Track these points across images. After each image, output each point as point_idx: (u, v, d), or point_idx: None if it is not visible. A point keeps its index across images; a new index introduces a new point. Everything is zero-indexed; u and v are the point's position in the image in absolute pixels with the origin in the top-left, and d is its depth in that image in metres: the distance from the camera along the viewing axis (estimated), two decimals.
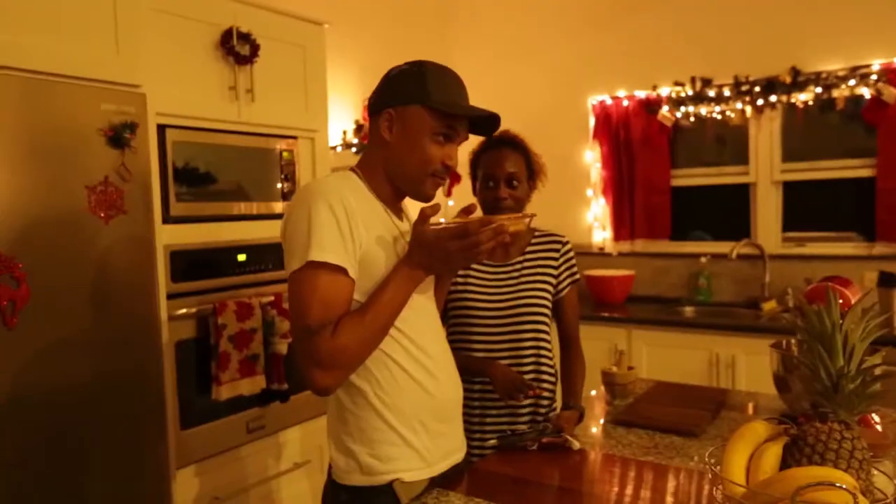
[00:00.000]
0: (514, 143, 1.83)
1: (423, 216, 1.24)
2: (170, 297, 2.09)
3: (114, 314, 1.87)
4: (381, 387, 1.29)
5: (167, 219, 2.11)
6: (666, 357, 3.22)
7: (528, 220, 1.27)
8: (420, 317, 1.35)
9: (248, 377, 2.32)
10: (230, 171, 2.34)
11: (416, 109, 1.29)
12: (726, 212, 3.92)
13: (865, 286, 3.26)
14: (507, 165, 1.79)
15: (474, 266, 1.83)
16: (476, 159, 1.88)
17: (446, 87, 1.31)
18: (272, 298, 2.39)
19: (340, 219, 1.21)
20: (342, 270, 1.21)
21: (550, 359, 1.81)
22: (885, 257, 3.22)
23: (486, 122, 1.35)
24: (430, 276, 1.33)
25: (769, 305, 3.35)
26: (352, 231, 1.22)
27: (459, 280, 1.80)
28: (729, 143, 3.72)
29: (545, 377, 1.79)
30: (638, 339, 3.33)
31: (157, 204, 2.00)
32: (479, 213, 1.78)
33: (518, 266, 1.84)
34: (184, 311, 2.15)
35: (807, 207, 3.60)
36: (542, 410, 1.78)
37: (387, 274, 1.27)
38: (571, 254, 1.89)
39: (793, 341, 1.63)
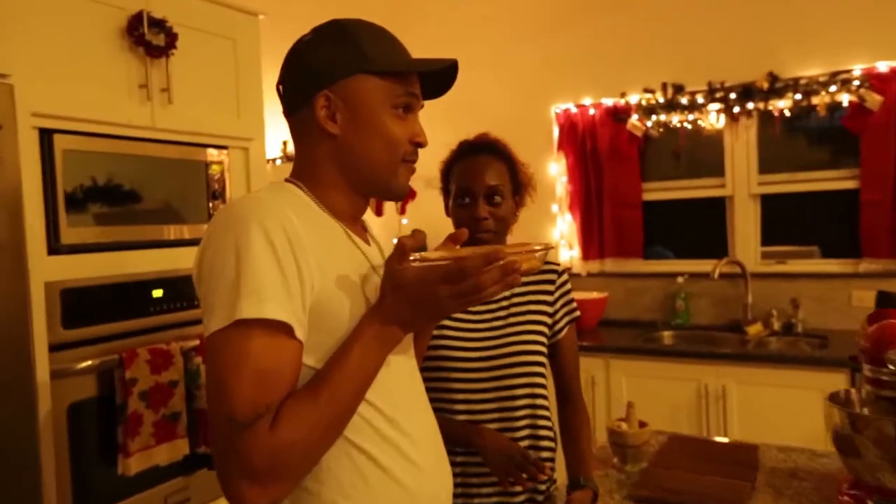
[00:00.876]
0: (494, 150, 1.48)
1: (402, 249, 0.86)
2: (59, 347, 1.65)
3: None
4: (343, 489, 0.90)
5: (56, 248, 1.66)
6: (649, 388, 2.91)
7: (543, 253, 0.91)
8: (396, 381, 0.97)
9: (167, 442, 1.87)
10: (144, 188, 1.90)
11: (361, 80, 0.96)
12: (697, 227, 3.68)
13: (853, 305, 3.05)
14: (487, 177, 1.43)
15: (454, 323, 1.46)
16: (448, 170, 1.52)
17: (384, 43, 0.99)
18: (197, 342, 1.95)
19: (281, 251, 0.84)
20: (285, 329, 0.83)
21: (549, 418, 1.45)
22: (873, 275, 3.01)
23: (439, 79, 1.03)
24: (410, 332, 0.96)
25: (755, 329, 3.09)
26: (299, 268, 0.85)
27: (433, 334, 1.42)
28: (703, 153, 3.48)
29: (544, 443, 1.42)
30: (616, 370, 3.01)
31: (37, 230, 1.55)
32: (477, 245, 1.41)
33: (505, 303, 1.47)
34: (81, 364, 1.70)
35: (784, 222, 3.38)
36: (542, 487, 1.41)
37: (352, 326, 0.89)
38: (569, 285, 1.55)
39: (852, 391, 1.32)
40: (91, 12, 1.76)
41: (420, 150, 1.03)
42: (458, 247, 0.98)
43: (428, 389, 1.40)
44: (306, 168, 1.00)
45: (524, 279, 1.50)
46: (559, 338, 1.50)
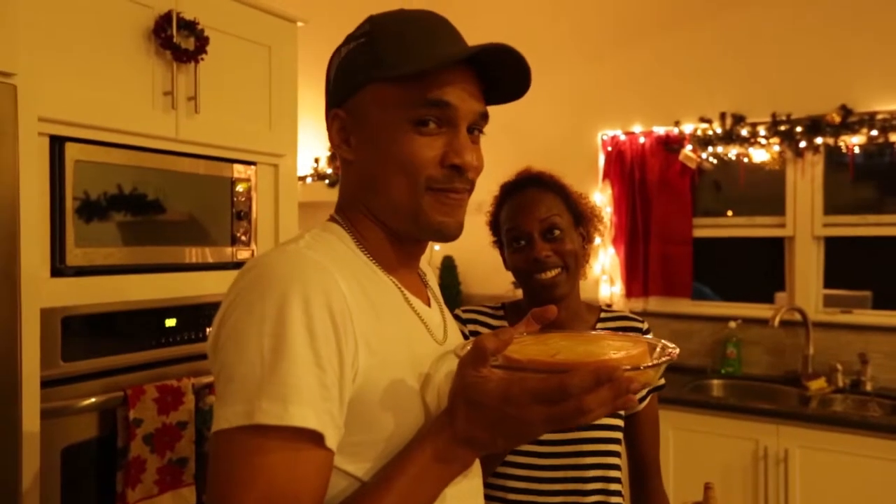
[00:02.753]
0: (541, 182, 1.28)
1: (482, 353, 0.65)
2: (55, 382, 1.45)
3: None
4: None
5: (60, 270, 1.48)
6: (699, 445, 2.65)
7: (666, 360, 0.69)
8: None
9: (172, 490, 1.67)
10: (160, 206, 1.72)
11: (371, 91, 0.77)
12: (744, 267, 3.44)
13: None
14: (539, 211, 1.23)
15: None
16: (495, 220, 1.32)
17: (414, 39, 0.76)
18: (211, 379, 1.75)
19: (323, 339, 0.65)
20: (314, 437, 0.64)
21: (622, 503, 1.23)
22: None
23: (507, 75, 0.80)
24: (482, 454, 0.73)
25: (817, 384, 2.82)
26: (341, 356, 0.66)
27: None
28: (761, 190, 3.24)
29: None
30: (663, 422, 2.75)
31: (37, 249, 1.36)
32: (546, 293, 1.21)
33: None
34: (81, 402, 1.50)
35: (848, 268, 3.12)
36: None
37: (402, 422, 0.69)
38: None
39: None
40: (114, 9, 1.60)
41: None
42: (550, 334, 0.76)
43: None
44: (344, 200, 0.84)
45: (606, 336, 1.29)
46: (640, 408, 1.28)
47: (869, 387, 2.78)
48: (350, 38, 0.82)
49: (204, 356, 1.79)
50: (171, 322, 1.73)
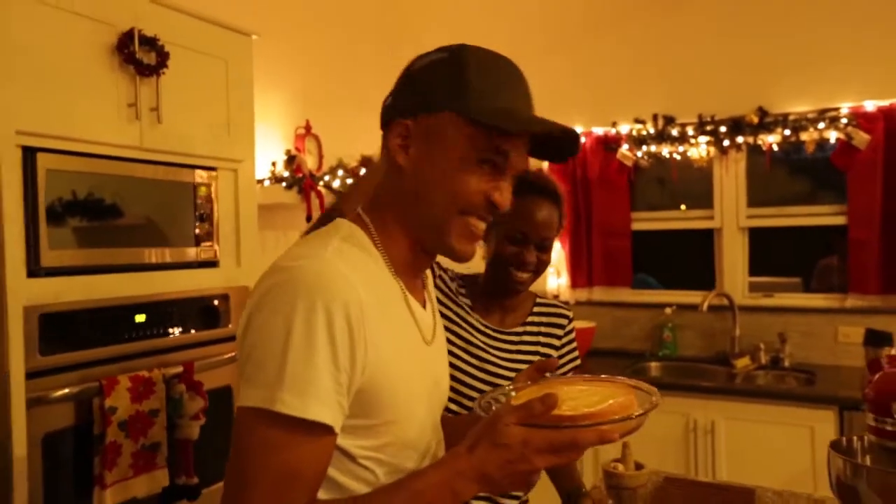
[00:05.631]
0: (555, 196, 1.43)
1: (529, 413, 0.78)
2: (36, 374, 1.57)
3: None
4: None
5: (35, 271, 1.60)
6: None
7: (650, 408, 0.83)
8: None
9: (146, 473, 1.80)
10: (128, 209, 1.85)
11: (447, 119, 0.85)
12: (683, 258, 3.70)
13: (839, 341, 3.06)
14: (546, 228, 1.40)
15: (463, 345, 1.43)
16: None
17: (500, 87, 0.86)
18: (180, 370, 1.89)
19: (340, 345, 0.77)
20: (325, 429, 0.77)
21: None
22: (859, 311, 3.02)
23: (555, 142, 0.92)
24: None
25: (742, 362, 3.08)
26: (353, 356, 0.79)
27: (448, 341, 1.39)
28: (692, 185, 3.50)
29: None
30: None
31: (17, 251, 1.48)
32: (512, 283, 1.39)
33: (516, 339, 1.47)
34: (59, 392, 1.63)
35: (770, 255, 3.40)
36: None
37: (393, 408, 0.84)
38: (574, 333, 1.53)
39: (854, 439, 1.30)
40: (81, 28, 1.72)
41: None
42: (551, 381, 0.92)
43: None
44: (379, 199, 0.93)
45: (536, 318, 1.49)
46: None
47: (787, 363, 3.06)
48: (437, 55, 0.90)
49: (171, 349, 1.93)
50: (140, 318, 1.85)
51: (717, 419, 2.72)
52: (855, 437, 1.30)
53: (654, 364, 3.32)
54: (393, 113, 0.90)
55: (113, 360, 1.77)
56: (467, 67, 0.86)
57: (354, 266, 0.83)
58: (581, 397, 0.84)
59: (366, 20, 3.51)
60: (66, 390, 1.64)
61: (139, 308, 1.85)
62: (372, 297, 0.82)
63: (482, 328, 1.46)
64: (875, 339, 2.61)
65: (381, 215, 0.91)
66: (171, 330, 1.93)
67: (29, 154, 1.59)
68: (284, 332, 0.75)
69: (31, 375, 1.57)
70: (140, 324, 1.85)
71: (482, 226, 0.90)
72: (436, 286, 1.43)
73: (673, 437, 2.80)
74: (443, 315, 1.24)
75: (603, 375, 0.96)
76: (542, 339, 1.48)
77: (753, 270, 3.36)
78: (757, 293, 3.32)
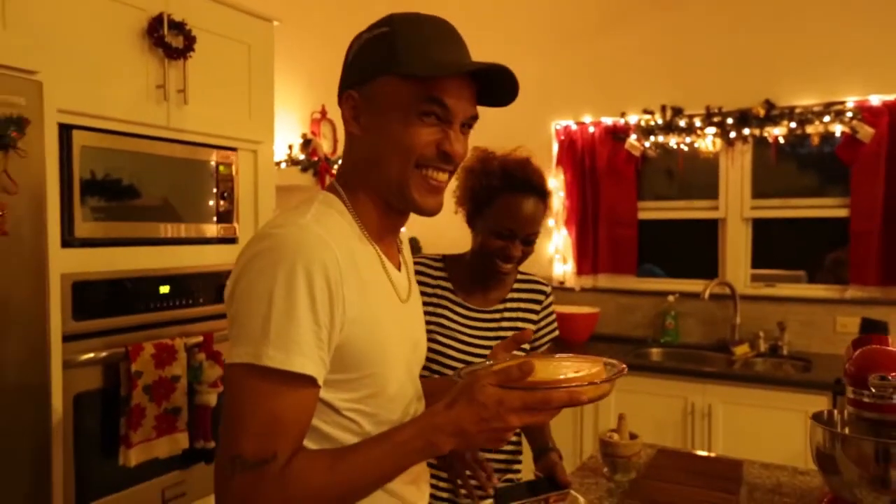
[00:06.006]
0: (541, 191, 1.50)
1: (508, 377, 0.84)
2: (68, 338, 1.68)
3: None
4: None
5: (69, 241, 1.71)
6: (636, 403, 2.95)
7: (617, 374, 0.90)
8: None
9: (167, 435, 1.91)
10: (154, 186, 1.95)
11: (385, 82, 0.91)
12: (689, 247, 3.76)
13: (838, 331, 3.13)
14: (531, 225, 1.47)
15: (447, 313, 1.53)
16: (489, 193, 1.49)
17: (427, 42, 0.91)
18: (200, 339, 2.00)
19: (320, 303, 0.83)
20: (309, 380, 0.83)
21: None
22: (858, 301, 3.09)
23: (498, 85, 0.96)
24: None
25: (741, 349, 3.16)
26: (332, 312, 0.84)
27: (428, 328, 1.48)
28: (698, 176, 3.56)
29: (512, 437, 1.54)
30: None
31: (53, 223, 1.59)
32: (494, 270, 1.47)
33: (497, 315, 1.56)
34: (88, 356, 1.74)
35: (774, 246, 3.46)
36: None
37: (371, 364, 0.91)
38: (553, 306, 1.63)
39: (835, 412, 1.39)
40: (114, 13, 1.81)
41: None
42: (527, 357, 0.98)
43: None
44: (346, 170, 0.99)
45: (516, 293, 1.58)
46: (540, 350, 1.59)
47: (785, 350, 3.13)
48: (372, 27, 0.95)
49: (194, 319, 2.03)
50: (164, 289, 1.96)
51: (714, 403, 2.81)
52: (836, 411, 1.38)
53: (655, 350, 3.40)
54: (343, 87, 0.96)
55: (139, 327, 1.88)
56: (396, 32, 0.92)
57: (331, 230, 0.88)
58: (555, 369, 0.92)
59: (382, 8, 3.58)
60: (95, 354, 1.75)
61: (164, 280, 1.95)
62: (348, 259, 0.87)
63: (464, 311, 1.53)
64: (870, 327, 2.67)
65: (350, 183, 0.97)
66: (192, 301, 2.03)
67: (65, 131, 1.69)
68: (268, 293, 0.81)
69: (65, 339, 1.67)
70: (164, 295, 1.96)
71: (442, 176, 0.95)
72: (417, 272, 1.47)
73: (671, 419, 2.89)
74: (425, 303, 1.32)
75: (574, 354, 1.04)
76: (520, 314, 1.56)
77: (758, 264, 3.43)
78: (759, 283, 3.39)
